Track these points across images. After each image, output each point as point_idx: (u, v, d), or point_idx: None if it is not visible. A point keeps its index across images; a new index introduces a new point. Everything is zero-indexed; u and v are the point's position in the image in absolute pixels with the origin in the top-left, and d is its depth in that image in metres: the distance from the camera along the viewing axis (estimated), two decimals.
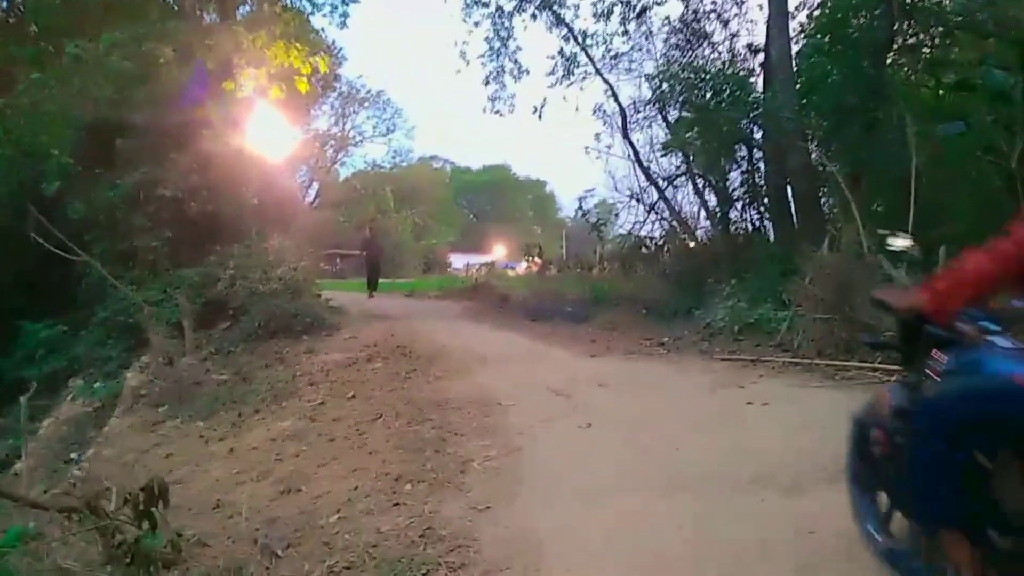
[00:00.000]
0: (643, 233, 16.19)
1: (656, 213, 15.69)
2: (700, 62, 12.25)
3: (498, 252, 58.31)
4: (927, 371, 2.05)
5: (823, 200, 11.46)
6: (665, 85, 12.12)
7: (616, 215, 17.18)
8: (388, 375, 7.27)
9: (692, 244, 14.87)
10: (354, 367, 7.87)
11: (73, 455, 7.06)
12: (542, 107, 16.34)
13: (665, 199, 14.93)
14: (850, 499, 2.56)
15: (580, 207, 17.00)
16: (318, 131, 53.33)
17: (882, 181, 10.31)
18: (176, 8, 14.59)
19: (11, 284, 11.47)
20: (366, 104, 54.18)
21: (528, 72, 17.27)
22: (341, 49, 51.76)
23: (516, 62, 17.23)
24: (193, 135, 11.09)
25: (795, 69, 11.28)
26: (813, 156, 10.68)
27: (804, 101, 11.00)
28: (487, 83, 17.54)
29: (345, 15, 21.63)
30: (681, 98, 11.75)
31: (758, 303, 9.53)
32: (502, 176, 74.11)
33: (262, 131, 12.17)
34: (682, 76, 11.41)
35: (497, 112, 17.77)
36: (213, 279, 10.69)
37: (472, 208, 74.94)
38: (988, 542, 1.75)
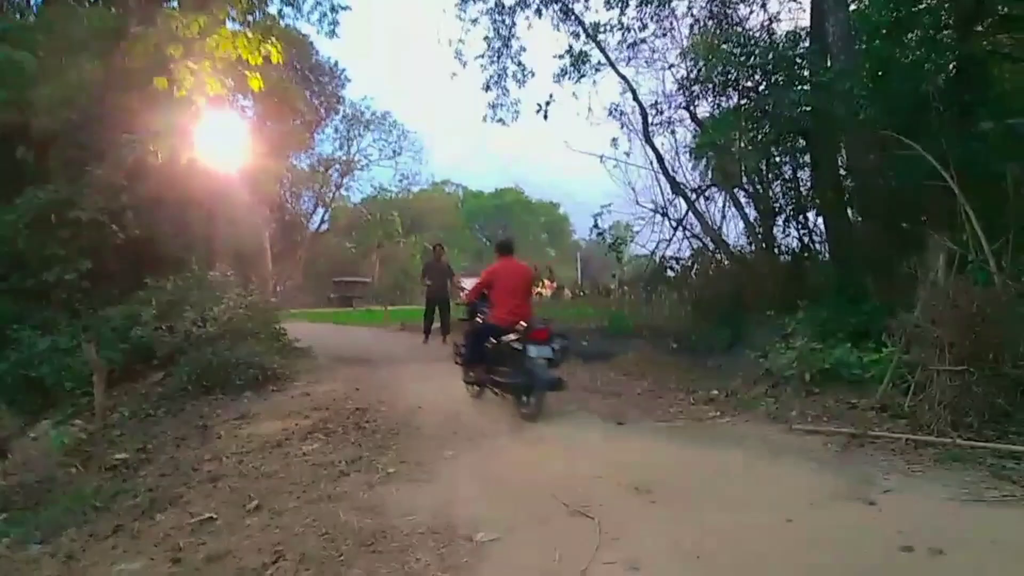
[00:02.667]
0: (668, 253, 13.94)
1: (685, 229, 13.43)
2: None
3: None
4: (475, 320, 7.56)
5: (905, 206, 9.04)
6: (701, 64, 9.79)
7: (637, 233, 14.77)
8: (321, 467, 4.97)
9: (728, 265, 12.57)
10: (282, 449, 5.59)
11: None
12: (547, 105, 14.18)
13: (696, 212, 12.64)
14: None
15: (595, 225, 14.69)
16: (321, 155, 52.02)
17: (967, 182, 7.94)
18: None
19: None
20: (371, 126, 52.70)
21: (534, 75, 15.28)
22: (344, 71, 50.74)
23: (520, 64, 15.30)
24: (118, 145, 8.96)
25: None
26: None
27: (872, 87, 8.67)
28: (487, 88, 15.65)
29: (335, 23, 19.94)
30: (722, 79, 9.43)
31: (828, 341, 7.24)
32: (514, 199, 73.27)
33: (212, 139, 10.02)
34: (723, 50, 9.02)
35: (500, 121, 15.87)
36: (140, 321, 8.50)
37: (484, 232, 73.57)
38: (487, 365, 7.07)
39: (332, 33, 19.44)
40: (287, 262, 47.12)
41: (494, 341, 6.99)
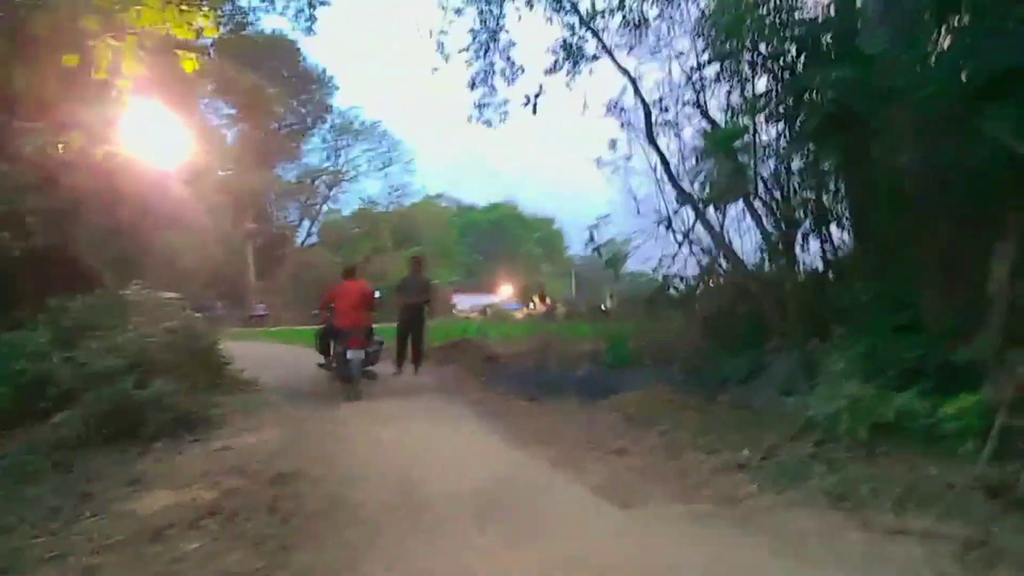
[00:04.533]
0: (672, 271, 12.40)
1: (691, 243, 11.89)
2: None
3: (504, 292, 55.27)
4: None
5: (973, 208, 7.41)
6: (720, 41, 8.19)
7: (636, 248, 13.12)
8: None
9: (742, 283, 11.02)
10: (156, 544, 3.98)
11: None
12: (536, 97, 12.67)
13: (706, 223, 11.09)
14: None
15: (591, 238, 13.11)
16: (309, 166, 50.64)
17: None
18: None
19: None
20: (361, 136, 51.39)
21: (523, 71, 13.78)
22: (332, 78, 49.45)
23: (509, 59, 13.77)
24: (10, 135, 7.38)
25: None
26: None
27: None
28: (473, 86, 14.12)
29: (312, 19, 18.37)
30: (756, 57, 7.84)
31: (876, 379, 5.71)
32: (508, 214, 72.42)
33: (140, 130, 8.43)
34: (757, 16, 7.36)
35: (486, 122, 14.34)
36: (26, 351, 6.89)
37: (478, 247, 72.26)
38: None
39: (309, 30, 17.82)
40: (272, 278, 45.53)
41: (335, 344, 9.96)
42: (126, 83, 7.63)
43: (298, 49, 45.50)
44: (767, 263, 10.63)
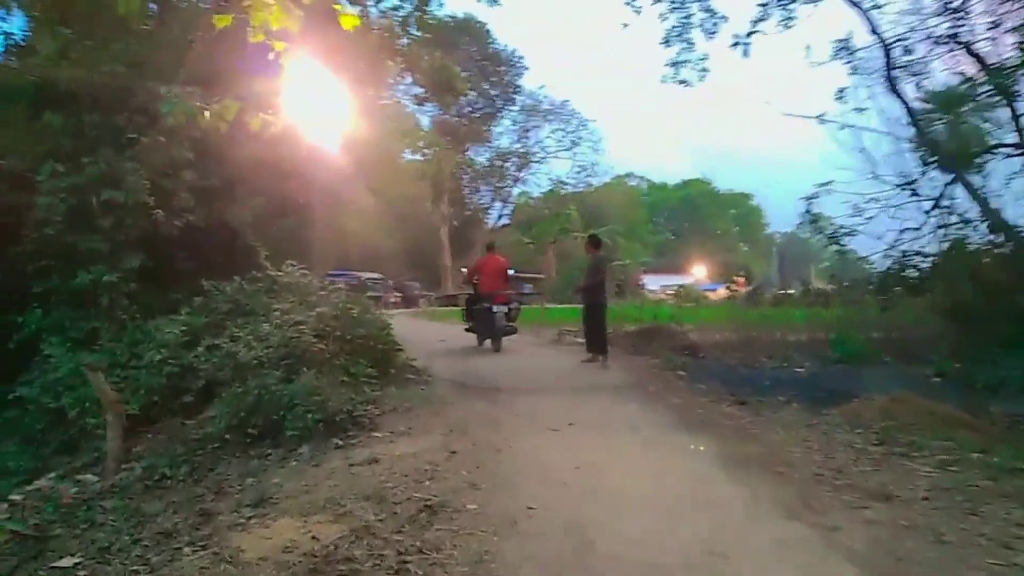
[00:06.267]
0: (913, 248, 10.11)
1: (942, 212, 9.55)
2: None
3: (698, 273, 52.57)
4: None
5: None
6: None
7: (865, 221, 10.77)
8: None
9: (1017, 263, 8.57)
10: None
11: None
12: (749, 36, 10.87)
13: (969, 185, 8.77)
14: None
15: (807, 211, 11.10)
16: (499, 148, 50.74)
17: None
18: None
19: None
20: (549, 117, 50.60)
21: (726, 19, 12.08)
22: (521, 59, 48.93)
23: (708, 10, 12.18)
24: (157, 103, 6.90)
25: None
26: None
27: None
28: (667, 43, 12.73)
29: None
30: None
31: None
32: (701, 190, 68.98)
33: (300, 99, 7.77)
34: None
35: (683, 82, 12.93)
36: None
37: (669, 226, 69.35)
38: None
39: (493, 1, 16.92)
40: (466, 258, 46.01)
41: (479, 305, 11.41)
42: (281, 45, 6.87)
43: (488, 31, 45.41)
44: None
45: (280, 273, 7.29)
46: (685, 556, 3.32)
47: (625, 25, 13.07)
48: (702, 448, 5.35)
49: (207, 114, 6.53)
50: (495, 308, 10.96)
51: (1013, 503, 3.97)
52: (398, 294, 35.03)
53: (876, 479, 4.49)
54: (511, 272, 13.18)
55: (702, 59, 12.55)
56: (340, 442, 5.57)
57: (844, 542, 3.49)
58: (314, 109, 7.86)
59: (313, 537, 3.69)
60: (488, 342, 11.31)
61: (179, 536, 4.17)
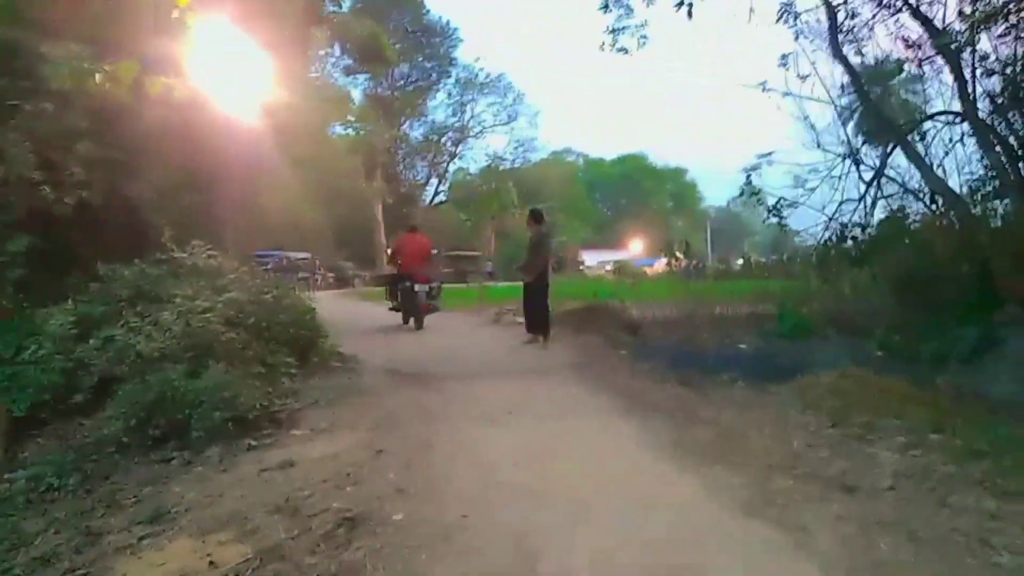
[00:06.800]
0: (852, 219, 9.96)
1: (884, 182, 9.39)
2: None
3: (634, 248, 52.93)
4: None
5: None
6: None
7: (811, 191, 10.53)
8: None
9: (960, 233, 8.44)
10: None
11: None
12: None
13: (913, 154, 8.57)
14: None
15: (747, 182, 10.81)
16: (435, 122, 49.74)
17: None
18: None
19: None
20: (485, 90, 49.85)
21: None
22: (456, 30, 47.91)
23: None
24: (41, 65, 6.09)
25: None
26: None
27: None
28: (607, 8, 12.05)
29: None
30: None
31: None
32: (638, 166, 69.34)
33: (212, 64, 6.98)
34: None
35: (622, 50, 12.24)
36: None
37: (606, 202, 69.58)
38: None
39: None
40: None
41: (401, 284, 11.70)
42: (185, 1, 6.11)
43: (421, 1, 44.24)
44: (1002, 203, 8.07)
45: (184, 255, 6.55)
46: (642, 570, 2.88)
47: None
48: (650, 437, 4.94)
49: (98, 77, 5.75)
50: (416, 287, 11.41)
51: (981, 491, 3.65)
52: (330, 275, 34.14)
53: (836, 467, 4.13)
54: (434, 252, 13.80)
55: (642, 25, 12.04)
56: (254, 442, 4.94)
57: (813, 544, 3.09)
58: (229, 75, 7.11)
59: (211, 563, 3.11)
60: (412, 321, 11.65)
61: (59, 562, 3.51)
